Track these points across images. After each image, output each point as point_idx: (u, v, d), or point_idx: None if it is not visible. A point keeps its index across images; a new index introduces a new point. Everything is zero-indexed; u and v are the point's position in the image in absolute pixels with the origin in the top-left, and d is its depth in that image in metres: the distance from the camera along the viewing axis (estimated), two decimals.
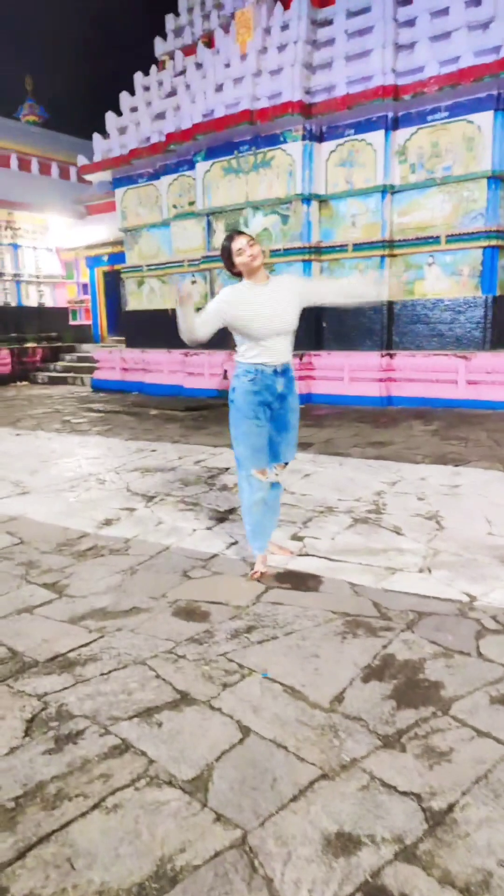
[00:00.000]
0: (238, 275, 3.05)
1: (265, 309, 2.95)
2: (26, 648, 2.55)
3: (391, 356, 9.24)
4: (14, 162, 16.38)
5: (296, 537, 3.77)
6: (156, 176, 11.86)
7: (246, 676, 2.31)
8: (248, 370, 3.08)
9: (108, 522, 4.18)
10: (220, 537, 3.82)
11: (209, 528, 3.99)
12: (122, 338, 14.03)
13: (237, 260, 2.92)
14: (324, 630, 2.63)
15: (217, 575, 3.27)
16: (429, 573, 3.21)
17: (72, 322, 16.96)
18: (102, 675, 2.35)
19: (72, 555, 3.61)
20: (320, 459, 5.80)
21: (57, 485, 5.18)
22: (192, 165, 11.08)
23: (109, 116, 12.41)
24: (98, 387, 12.49)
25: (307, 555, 3.50)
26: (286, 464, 3.29)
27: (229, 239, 2.94)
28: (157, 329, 12.02)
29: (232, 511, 4.32)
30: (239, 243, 2.92)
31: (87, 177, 13.17)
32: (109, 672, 2.37)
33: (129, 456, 6.21)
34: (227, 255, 2.94)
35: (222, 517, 4.21)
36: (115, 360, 12.29)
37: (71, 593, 3.08)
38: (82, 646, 2.56)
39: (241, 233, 2.94)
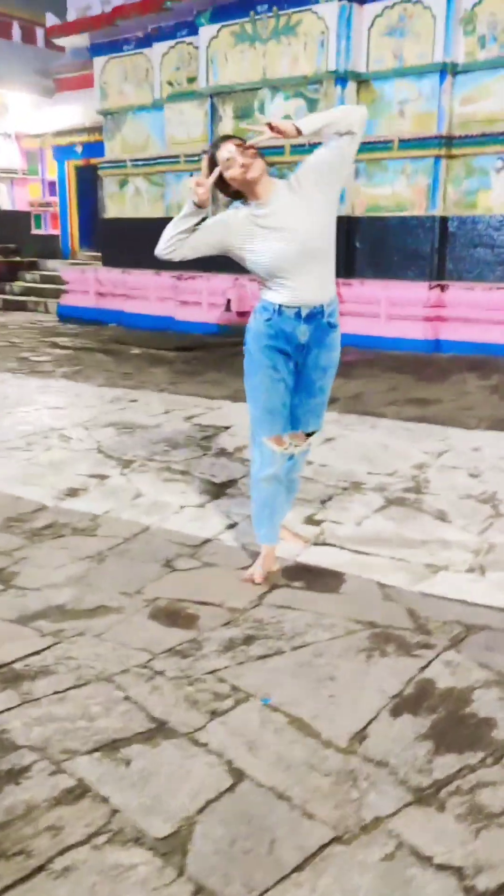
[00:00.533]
0: (237, 196, 2.92)
1: (275, 238, 2.83)
2: None
3: (442, 288, 9.04)
4: None
5: (311, 521, 3.71)
6: (146, 42, 11.47)
7: (241, 702, 2.26)
8: (266, 307, 2.98)
9: (72, 493, 4.13)
10: (215, 517, 3.78)
11: (201, 505, 3.95)
12: (99, 253, 13.79)
13: (227, 174, 2.79)
14: (344, 644, 2.58)
15: (209, 567, 3.23)
16: (481, 574, 3.15)
17: (34, 231, 16.68)
18: (57, 693, 2.30)
19: (24, 533, 3.57)
20: (346, 420, 5.71)
21: (9, 441, 5.12)
22: (194, 30, 10.68)
23: None
24: (66, 315, 12.34)
25: (325, 544, 3.46)
26: (309, 435, 3.22)
27: (214, 146, 2.83)
28: (144, 244, 11.68)
29: (231, 483, 4.26)
30: (226, 151, 2.78)
31: (58, 41, 12.79)
32: (66, 690, 2.32)
33: (103, 407, 6.13)
34: (210, 172, 2.81)
35: (218, 491, 4.17)
36: (88, 281, 12.11)
37: (21, 584, 3.04)
38: (33, 654, 2.52)
39: (228, 137, 2.85)
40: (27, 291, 14.34)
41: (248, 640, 2.61)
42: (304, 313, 2.94)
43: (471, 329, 8.87)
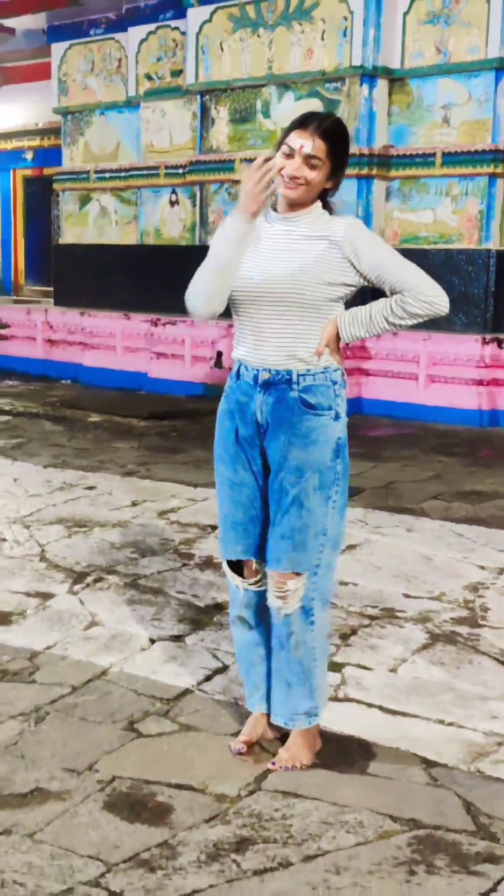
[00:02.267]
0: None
1: (265, 254, 2.78)
2: None
3: (499, 343, 9.15)
4: None
5: (329, 664, 3.59)
6: (120, 26, 11.92)
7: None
8: (232, 373, 2.94)
9: (3, 619, 4.09)
10: (195, 657, 3.72)
11: (178, 639, 3.89)
12: (50, 289, 14.02)
13: (277, 159, 2.71)
14: (375, 854, 2.46)
15: (187, 731, 3.14)
16: None
17: None
18: None
19: None
20: (375, 518, 5.69)
21: None
22: (180, 12, 11.12)
23: None
24: (5, 368, 12.48)
25: (347, 699, 3.38)
26: (295, 575, 2.82)
27: (300, 122, 2.72)
28: (110, 277, 11.97)
29: (220, 608, 4.23)
30: (299, 140, 2.69)
31: (6, 21, 13.23)
32: None
33: (50, 496, 6.14)
34: (278, 142, 2.77)
35: (202, 618, 4.13)
36: (35, 325, 12.30)
37: None
38: None
39: (321, 126, 2.69)
40: None
41: (242, 844, 2.49)
42: (261, 378, 2.81)
43: None
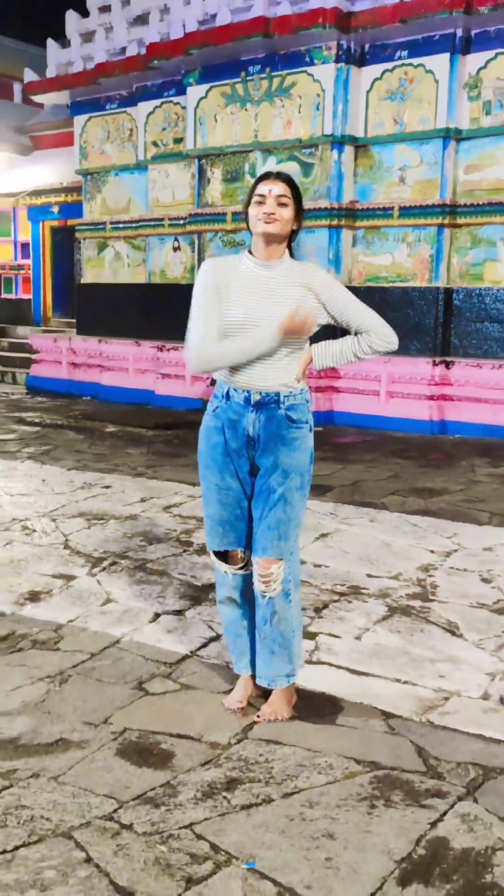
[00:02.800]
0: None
1: (252, 294, 2.75)
2: None
3: (447, 365, 9.15)
4: None
5: (305, 633, 3.57)
6: (131, 101, 11.86)
7: (222, 865, 2.11)
8: (216, 394, 2.89)
9: (33, 597, 4.02)
10: (194, 628, 3.68)
11: (179, 613, 3.84)
12: (73, 320, 13.94)
13: (251, 210, 2.76)
14: (342, 791, 2.44)
15: (187, 690, 3.10)
16: (499, 700, 3.03)
17: (4, 295, 16.91)
18: (5, 853, 2.14)
19: None
20: (343, 512, 5.65)
21: None
22: (181, 90, 11.07)
23: (71, 17, 12.45)
24: (36, 387, 12.38)
25: (320, 662, 3.35)
26: (278, 560, 2.80)
27: (263, 177, 2.77)
28: (123, 311, 11.93)
29: (214, 587, 4.11)
30: (267, 186, 2.74)
31: (37, 97, 13.20)
32: (15, 848, 2.16)
33: (72, 494, 6.06)
34: (248, 198, 2.79)
35: (200, 595, 4.07)
36: (60, 350, 12.20)
37: None
38: None
39: (281, 175, 2.77)
40: None
41: (231, 784, 2.47)
42: (253, 399, 2.79)
43: (479, 410, 8.93)
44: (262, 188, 2.73)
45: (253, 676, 3.01)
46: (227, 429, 2.82)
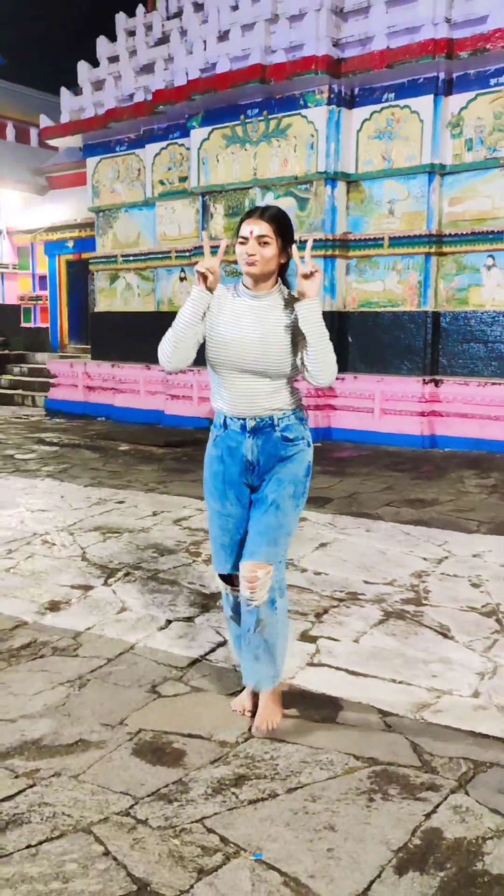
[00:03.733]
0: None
1: (242, 318, 2.67)
2: None
3: (436, 383, 9.17)
4: None
5: (306, 637, 3.61)
6: (139, 143, 11.95)
7: (231, 857, 2.12)
8: (216, 423, 2.82)
9: (53, 606, 4.02)
10: (203, 633, 3.68)
11: (189, 620, 3.84)
12: (88, 346, 14.00)
13: (236, 249, 2.64)
14: (342, 786, 2.44)
15: (197, 692, 3.10)
16: (488, 698, 3.03)
17: (24, 324, 16.98)
18: (30, 847, 2.15)
19: (1, 655, 3.43)
20: (341, 522, 5.66)
21: None
22: (185, 132, 11.16)
23: (82, 67, 12.55)
24: (54, 409, 12.42)
25: (321, 664, 3.34)
26: (259, 566, 2.69)
27: (247, 214, 2.66)
28: (134, 337, 11.97)
29: (221, 594, 4.14)
30: (249, 226, 2.61)
31: (52, 141, 13.28)
32: (39, 843, 2.17)
33: (89, 509, 6.07)
34: (235, 235, 2.69)
35: (208, 603, 4.07)
36: (76, 375, 12.24)
37: None
38: (5, 799, 2.37)
39: (265, 213, 2.62)
40: (14, 384, 14.47)
41: (239, 780, 2.47)
42: (249, 426, 2.72)
43: (466, 425, 8.93)
44: (245, 229, 2.62)
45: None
46: (227, 456, 2.76)
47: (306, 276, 2.57)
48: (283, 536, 2.75)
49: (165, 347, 2.72)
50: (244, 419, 2.72)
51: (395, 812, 2.31)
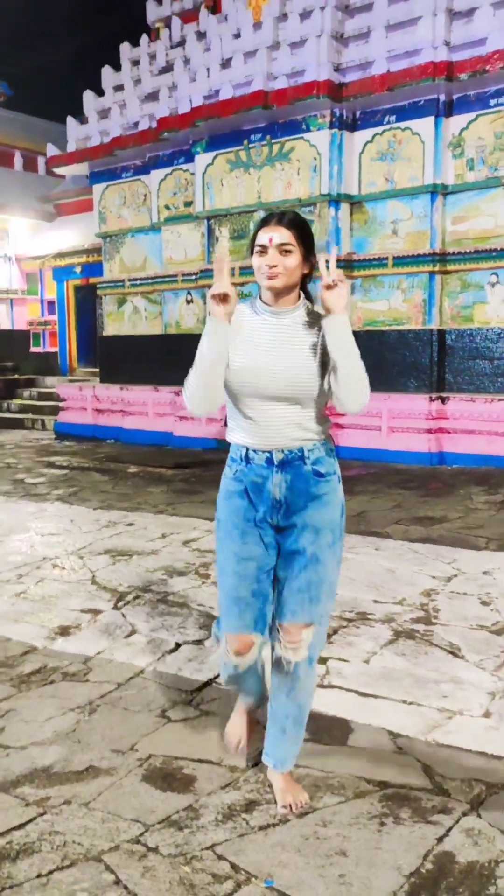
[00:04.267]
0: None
1: (260, 341, 2.35)
2: None
3: (443, 400, 9.16)
4: None
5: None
6: (144, 170, 12.07)
7: (242, 884, 2.09)
8: (234, 457, 2.46)
9: (63, 631, 4.01)
10: (213, 655, 3.63)
11: (199, 643, 3.82)
12: (97, 370, 14.07)
13: (254, 262, 2.34)
14: (353, 810, 2.42)
15: (207, 716, 3.07)
16: (499, 718, 3.00)
17: (33, 349, 17.10)
18: (40, 877, 2.13)
19: (11, 680, 3.43)
20: (350, 541, 5.61)
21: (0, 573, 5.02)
22: (190, 158, 11.27)
23: (88, 96, 12.72)
24: (63, 432, 12.46)
25: (331, 686, 3.31)
26: (303, 627, 2.38)
27: (264, 221, 2.35)
28: (142, 360, 12.03)
29: None
30: (267, 234, 2.30)
31: (59, 170, 13.44)
32: (50, 873, 2.15)
33: (98, 532, 6.07)
34: (250, 245, 2.37)
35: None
36: (85, 398, 12.29)
37: (5, 742, 2.89)
38: (16, 828, 2.35)
39: (284, 219, 2.31)
40: (24, 409, 14.54)
41: (250, 806, 2.45)
42: (276, 459, 2.38)
43: (474, 441, 8.91)
44: (263, 237, 2.30)
45: (256, 707, 2.78)
46: (252, 493, 2.40)
47: (329, 287, 2.26)
48: (326, 591, 2.42)
49: (191, 392, 2.40)
50: (270, 452, 2.38)
51: (406, 836, 2.28)
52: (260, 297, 2.41)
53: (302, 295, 2.41)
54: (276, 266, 2.29)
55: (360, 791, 2.52)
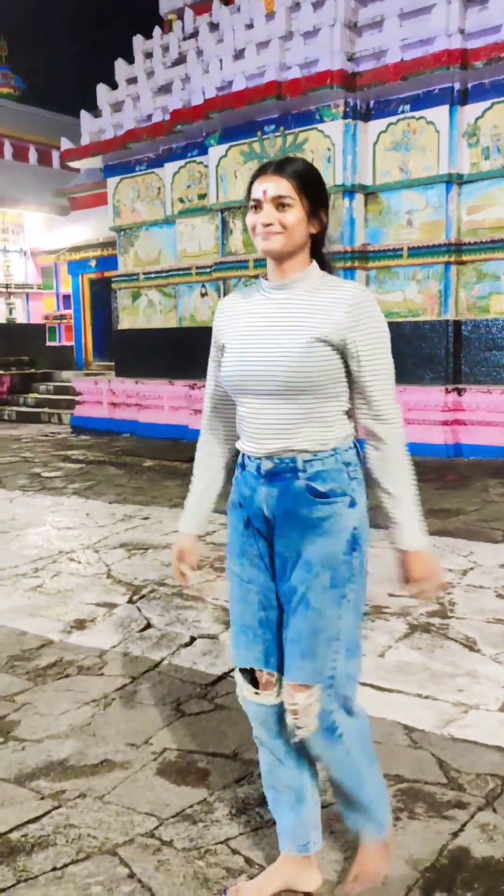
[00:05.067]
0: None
1: (254, 332, 1.92)
2: None
3: (459, 392, 9.10)
4: None
5: None
6: (158, 163, 12.05)
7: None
8: (238, 460, 2.07)
9: (79, 625, 4.03)
10: (228, 650, 3.63)
11: (214, 637, 3.83)
12: (112, 363, 14.10)
13: (247, 220, 1.92)
14: None
15: (221, 710, 3.08)
16: None
17: (49, 343, 17.16)
18: (55, 870, 2.15)
19: (27, 674, 3.45)
20: None
21: (16, 567, 5.05)
22: (203, 150, 11.23)
23: (101, 89, 12.71)
24: (79, 426, 12.50)
25: None
26: (305, 687, 1.87)
27: (260, 170, 1.91)
28: (157, 353, 12.04)
29: None
30: (261, 187, 1.87)
31: (73, 163, 13.43)
32: (65, 866, 2.16)
33: (114, 526, 6.08)
34: (246, 201, 1.94)
35: (230, 620, 4.01)
36: (101, 392, 12.32)
37: (21, 735, 2.90)
38: (30, 821, 2.37)
39: (283, 167, 1.86)
40: (41, 403, 14.61)
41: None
42: (264, 468, 1.93)
43: (490, 433, 8.85)
44: (257, 189, 1.87)
45: (308, 856, 2.06)
46: (245, 506, 1.99)
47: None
48: (326, 644, 1.88)
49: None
50: (260, 459, 1.94)
51: (421, 831, 2.27)
52: (265, 275, 1.99)
53: (312, 263, 1.95)
54: (271, 224, 1.85)
55: None
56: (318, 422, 1.90)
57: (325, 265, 1.97)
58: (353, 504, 1.94)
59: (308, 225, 1.89)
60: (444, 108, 9.21)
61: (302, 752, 2.01)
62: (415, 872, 2.10)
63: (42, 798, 2.49)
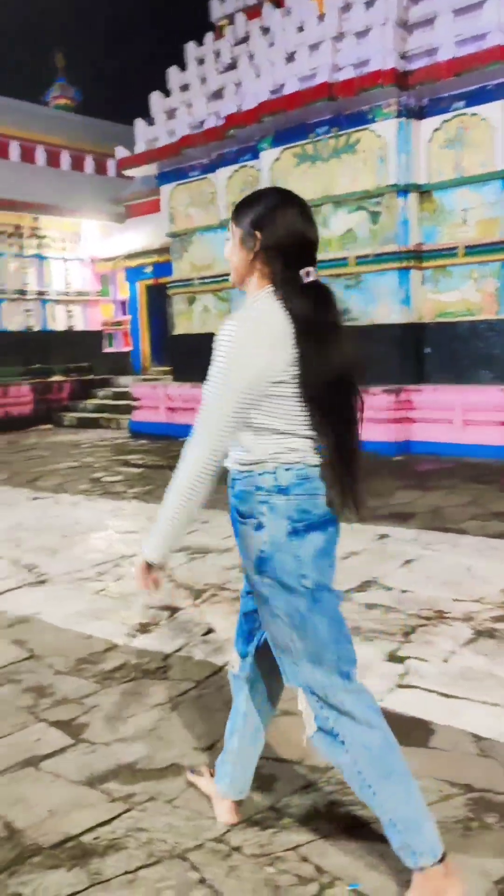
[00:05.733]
0: None
1: None
2: (27, 825, 2.41)
3: None
4: (41, 156, 17.20)
5: (394, 657, 3.54)
6: (211, 168, 12.13)
7: (327, 887, 2.08)
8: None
9: (143, 628, 4.07)
10: None
11: None
12: (169, 368, 14.21)
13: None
14: (438, 813, 2.36)
15: (285, 715, 3.03)
16: None
17: (107, 349, 17.39)
18: (127, 874, 2.17)
19: (94, 677, 3.50)
20: (426, 538, 5.55)
21: (80, 571, 5.13)
22: (256, 154, 11.26)
23: (155, 97, 12.85)
24: (137, 431, 12.63)
25: (410, 686, 3.26)
26: (296, 688, 2.05)
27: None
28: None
29: None
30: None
31: (128, 171, 13.62)
32: (136, 869, 2.19)
33: None
34: None
35: None
36: (158, 396, 12.42)
37: (90, 738, 2.95)
38: (102, 824, 2.40)
39: (252, 200, 1.96)
40: (100, 408, 14.82)
41: (331, 807, 2.44)
42: (228, 479, 2.08)
43: None
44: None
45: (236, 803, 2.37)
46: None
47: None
48: (281, 652, 2.00)
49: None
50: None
51: (493, 842, 2.23)
52: None
53: (265, 288, 1.95)
54: (227, 256, 2.03)
55: (444, 794, 2.48)
56: (241, 444, 1.97)
57: (289, 282, 1.92)
58: (258, 528, 1.93)
59: (241, 249, 1.94)
60: (499, 104, 9.06)
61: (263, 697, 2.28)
62: (488, 883, 2.06)
63: (112, 801, 2.52)
